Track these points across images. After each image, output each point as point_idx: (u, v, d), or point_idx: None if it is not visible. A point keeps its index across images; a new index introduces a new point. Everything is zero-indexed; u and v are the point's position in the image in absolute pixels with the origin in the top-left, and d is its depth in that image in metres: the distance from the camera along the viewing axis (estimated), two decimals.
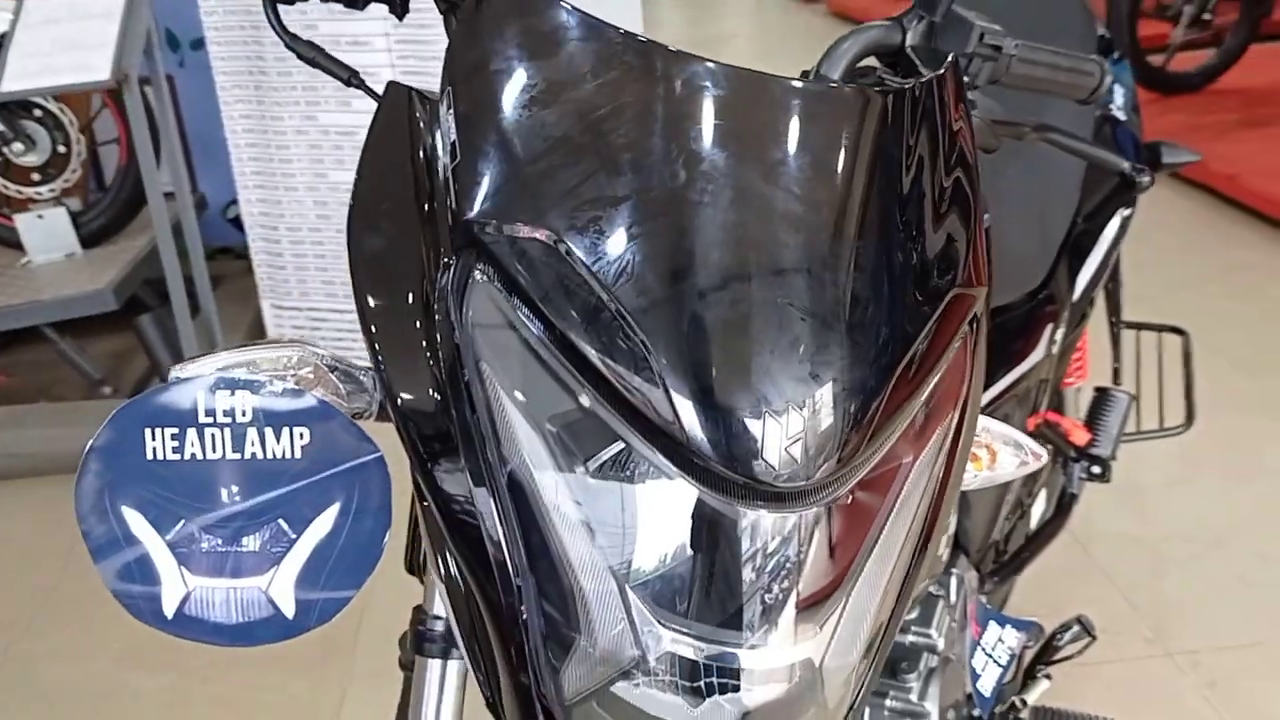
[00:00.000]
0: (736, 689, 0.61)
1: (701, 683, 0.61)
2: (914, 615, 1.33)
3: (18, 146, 3.08)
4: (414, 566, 0.93)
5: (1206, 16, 5.26)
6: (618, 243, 0.59)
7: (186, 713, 2.20)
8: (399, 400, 0.65)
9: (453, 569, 0.67)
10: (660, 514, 0.60)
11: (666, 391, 0.58)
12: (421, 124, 0.67)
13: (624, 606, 0.60)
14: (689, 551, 0.60)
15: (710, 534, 0.60)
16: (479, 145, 0.63)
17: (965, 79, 0.93)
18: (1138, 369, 2.01)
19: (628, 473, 0.60)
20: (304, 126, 3.27)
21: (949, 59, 0.74)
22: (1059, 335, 1.56)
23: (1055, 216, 1.57)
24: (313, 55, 0.88)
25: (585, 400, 0.60)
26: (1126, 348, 2.03)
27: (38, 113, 3.10)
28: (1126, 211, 1.70)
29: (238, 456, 0.70)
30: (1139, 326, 2.07)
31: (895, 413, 0.62)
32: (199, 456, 0.70)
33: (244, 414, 0.70)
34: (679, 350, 0.58)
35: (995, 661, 1.49)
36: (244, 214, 3.36)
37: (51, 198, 3.19)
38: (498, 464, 0.62)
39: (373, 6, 0.91)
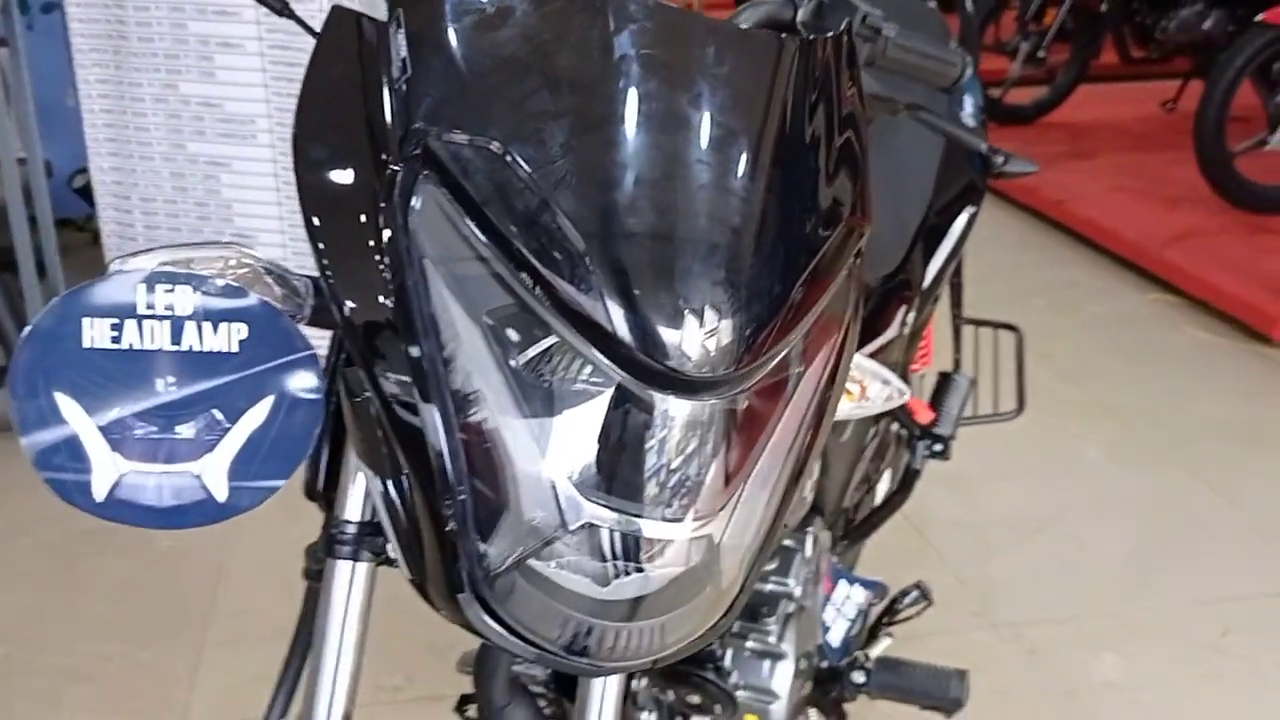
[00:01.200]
0: (641, 568, 0.68)
1: (609, 564, 0.68)
2: (773, 566, 1.42)
3: None
4: (314, 491, 0.96)
5: (1041, 54, 5.63)
6: (558, 153, 0.66)
7: (28, 683, 2.14)
8: (344, 303, 0.69)
9: (384, 460, 0.71)
10: (585, 401, 0.66)
11: (599, 288, 0.64)
12: (370, 44, 0.72)
13: (550, 482, 0.67)
14: (610, 434, 0.67)
15: (629, 419, 0.66)
16: (428, 61, 0.68)
17: None
18: (975, 360, 2.17)
19: (559, 363, 0.66)
20: (164, 95, 3.20)
21: (841, 26, 0.83)
22: (910, 318, 1.68)
23: (911, 206, 1.70)
24: None
25: (521, 295, 0.66)
26: (966, 341, 2.19)
27: None
28: (973, 209, 1.84)
29: (175, 348, 0.73)
30: (978, 323, 2.23)
31: (793, 323, 0.70)
32: (136, 347, 0.73)
33: (184, 308, 0.73)
34: (610, 251, 0.65)
35: (844, 616, 1.60)
36: (95, 183, 3.26)
37: None
38: (438, 355, 0.67)
39: None
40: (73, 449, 0.73)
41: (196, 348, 0.73)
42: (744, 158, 0.69)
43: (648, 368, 0.65)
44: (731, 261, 0.67)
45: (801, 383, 0.74)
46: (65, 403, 0.73)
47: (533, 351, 0.67)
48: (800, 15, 0.96)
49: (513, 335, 0.67)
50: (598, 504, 0.67)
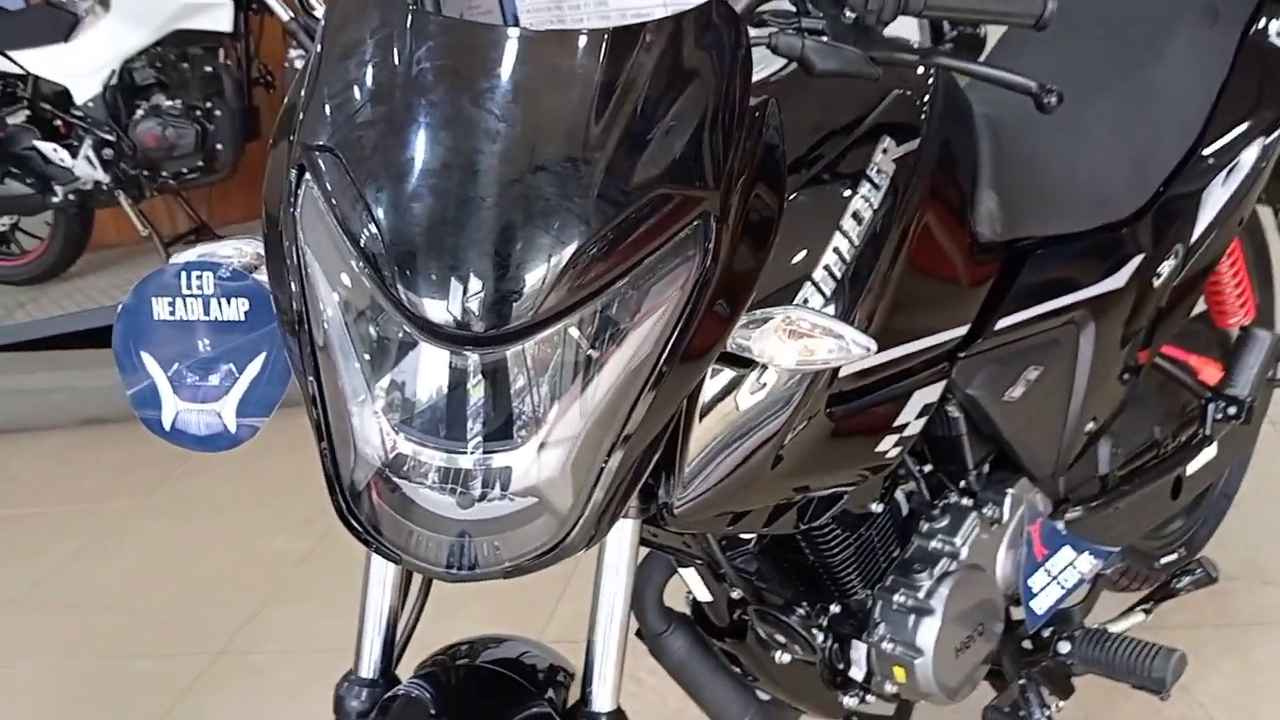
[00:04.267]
0: (466, 489, 0.82)
1: (437, 488, 0.83)
2: (943, 523, 1.41)
3: None
4: None
5: None
6: (368, 154, 0.81)
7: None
8: (272, 286, 0.90)
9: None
10: (402, 356, 0.82)
11: (393, 265, 0.80)
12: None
13: (375, 421, 0.83)
14: (417, 381, 0.81)
15: (429, 369, 0.81)
16: (315, 83, 0.87)
17: (852, 13, 1.01)
18: None
19: (390, 325, 0.82)
20: None
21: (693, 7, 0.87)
22: (1164, 269, 1.54)
23: (1162, 149, 1.54)
24: None
25: (355, 270, 0.83)
26: None
27: None
28: (1268, 139, 1.61)
29: (207, 318, 1.00)
30: None
31: (581, 286, 0.79)
32: (185, 318, 1.00)
33: (208, 289, 0.99)
34: (400, 235, 0.80)
35: (1059, 583, 1.53)
36: None
37: None
38: (315, 322, 0.86)
39: None
40: (154, 393, 1.02)
41: (220, 317, 0.99)
42: (521, 147, 0.80)
43: (435, 327, 0.79)
44: (502, 234, 0.78)
45: (629, 338, 0.82)
46: (148, 360, 1.02)
47: (371, 316, 0.83)
48: None
49: (354, 304, 0.84)
50: (407, 438, 0.82)
